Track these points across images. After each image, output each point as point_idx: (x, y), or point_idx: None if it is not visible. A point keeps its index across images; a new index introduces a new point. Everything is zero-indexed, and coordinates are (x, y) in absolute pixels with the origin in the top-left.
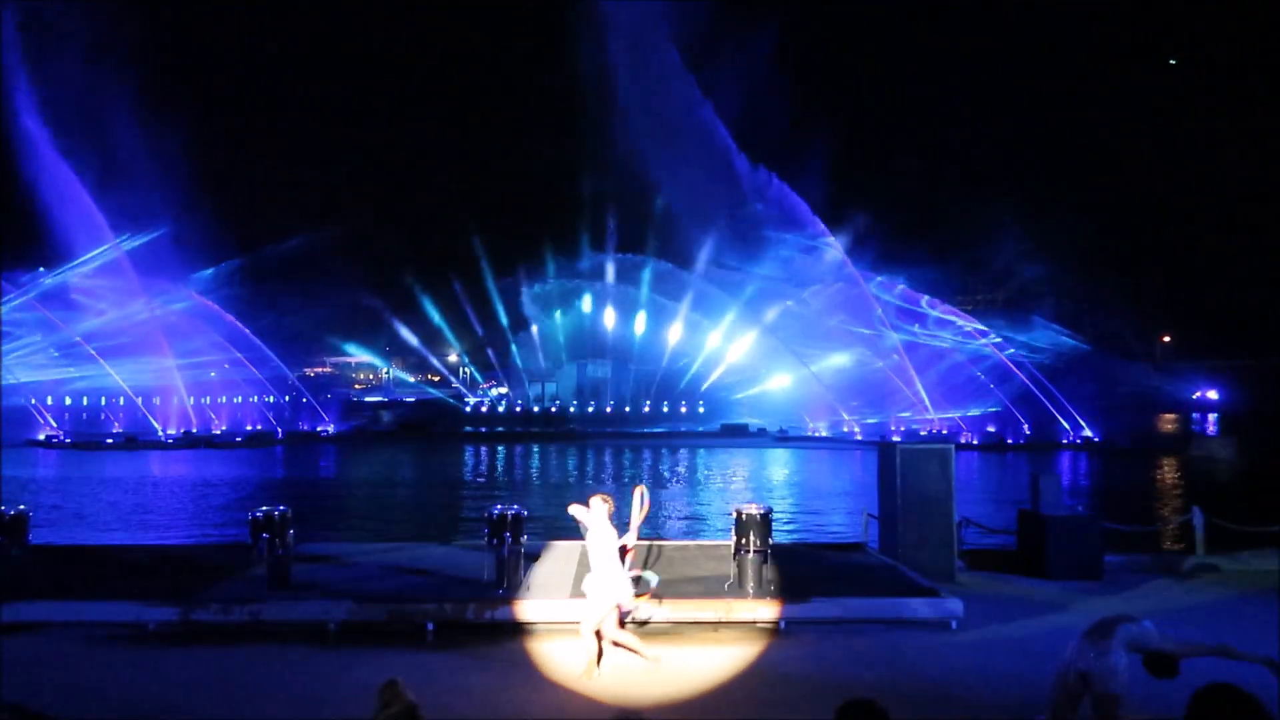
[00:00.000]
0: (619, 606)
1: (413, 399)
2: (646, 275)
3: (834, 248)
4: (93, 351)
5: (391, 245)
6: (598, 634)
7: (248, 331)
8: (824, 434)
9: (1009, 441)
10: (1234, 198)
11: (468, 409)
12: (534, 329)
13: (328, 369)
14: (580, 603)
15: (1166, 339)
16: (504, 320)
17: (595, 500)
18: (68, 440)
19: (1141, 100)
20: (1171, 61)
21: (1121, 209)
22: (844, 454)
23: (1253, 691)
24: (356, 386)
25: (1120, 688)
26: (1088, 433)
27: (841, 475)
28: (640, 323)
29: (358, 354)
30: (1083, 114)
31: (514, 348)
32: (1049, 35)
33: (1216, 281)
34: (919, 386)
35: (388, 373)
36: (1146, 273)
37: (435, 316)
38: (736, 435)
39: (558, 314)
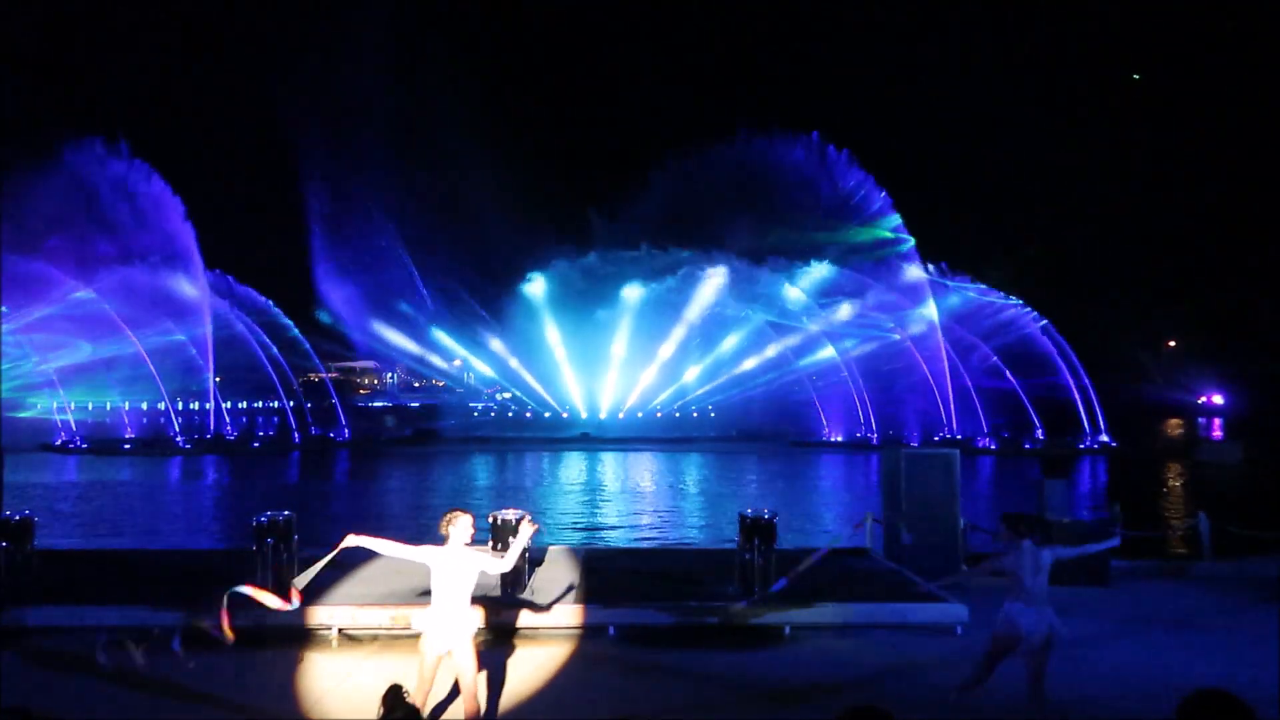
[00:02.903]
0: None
1: (417, 404)
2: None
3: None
4: (147, 359)
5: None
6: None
7: (265, 337)
8: (839, 439)
9: (1026, 446)
10: (1242, 201)
11: (475, 414)
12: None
13: (333, 374)
14: (558, 613)
15: (1172, 343)
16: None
17: (461, 518)
18: (83, 445)
19: (1148, 103)
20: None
21: (1127, 212)
22: (858, 458)
23: (1245, 697)
24: (361, 391)
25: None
26: (1104, 437)
27: (854, 479)
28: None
29: (362, 360)
30: (1087, 116)
31: (477, 356)
32: (1051, 38)
33: (1223, 286)
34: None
35: (392, 377)
36: (1153, 277)
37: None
38: (751, 440)
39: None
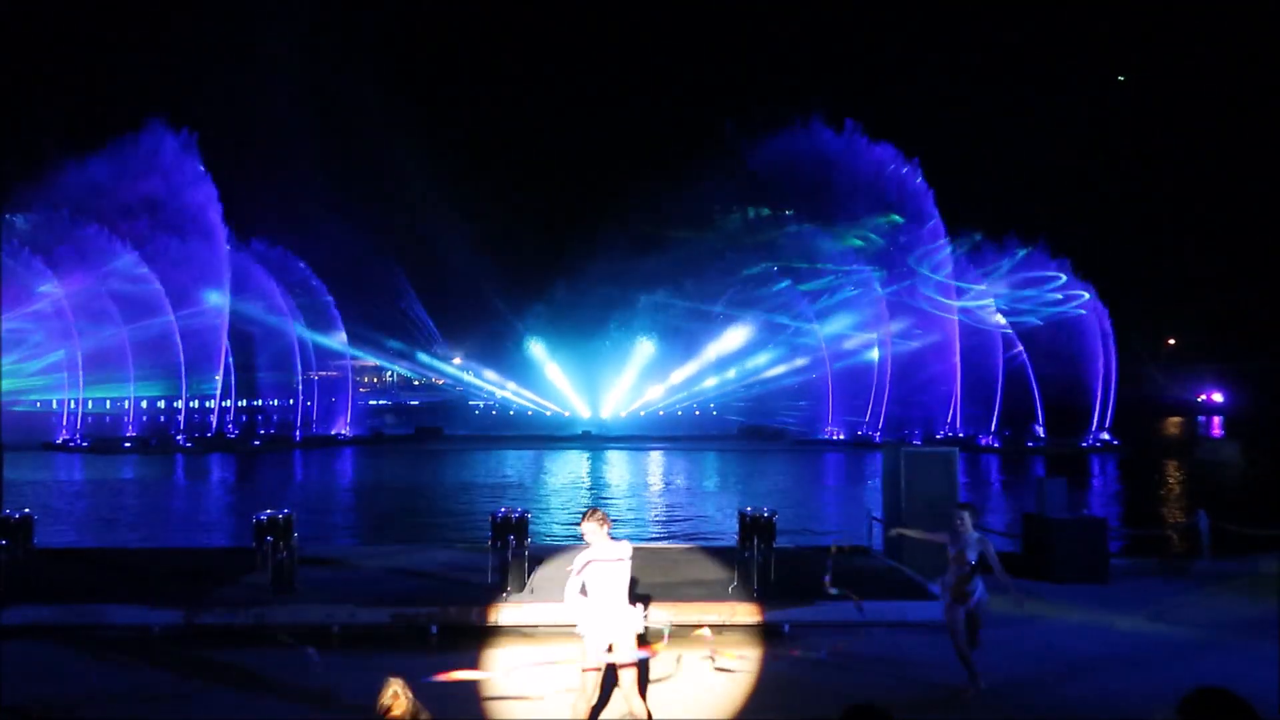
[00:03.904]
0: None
1: (417, 402)
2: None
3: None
4: (179, 341)
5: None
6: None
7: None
8: (840, 437)
9: (1028, 445)
10: (1241, 199)
11: (477, 412)
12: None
13: (334, 372)
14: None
15: (1172, 341)
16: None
17: (594, 515)
18: (84, 444)
19: (1149, 103)
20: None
21: (1126, 212)
22: (860, 457)
23: (1245, 695)
24: (361, 390)
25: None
26: (1105, 435)
27: (857, 478)
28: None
29: (363, 357)
30: (1087, 115)
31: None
32: (1049, 38)
33: (1223, 286)
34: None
35: (391, 375)
36: (1153, 277)
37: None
38: (753, 439)
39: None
